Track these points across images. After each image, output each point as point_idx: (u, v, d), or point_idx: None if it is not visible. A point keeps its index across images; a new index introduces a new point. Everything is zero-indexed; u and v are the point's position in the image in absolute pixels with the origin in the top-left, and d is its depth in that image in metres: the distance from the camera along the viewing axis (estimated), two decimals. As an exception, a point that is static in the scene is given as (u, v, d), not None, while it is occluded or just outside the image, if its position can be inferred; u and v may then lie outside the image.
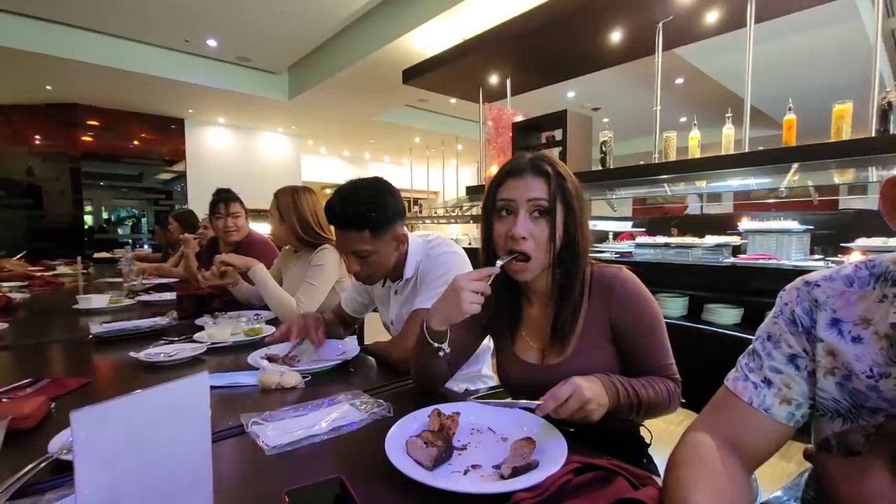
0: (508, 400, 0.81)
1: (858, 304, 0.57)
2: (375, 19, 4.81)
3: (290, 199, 1.83)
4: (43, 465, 0.64)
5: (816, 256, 2.60)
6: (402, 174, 10.28)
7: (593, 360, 0.88)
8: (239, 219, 2.29)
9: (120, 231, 7.57)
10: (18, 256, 3.60)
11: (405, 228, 1.27)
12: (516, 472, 0.60)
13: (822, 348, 0.59)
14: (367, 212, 1.14)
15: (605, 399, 0.75)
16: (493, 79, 4.44)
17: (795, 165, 2.26)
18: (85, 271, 3.37)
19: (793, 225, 2.53)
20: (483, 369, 1.38)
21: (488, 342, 1.23)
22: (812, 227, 2.59)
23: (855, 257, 0.64)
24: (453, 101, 6.13)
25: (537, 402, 0.71)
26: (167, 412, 0.47)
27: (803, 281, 0.63)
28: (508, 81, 4.32)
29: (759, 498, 0.76)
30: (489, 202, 0.90)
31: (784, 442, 0.62)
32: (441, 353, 0.88)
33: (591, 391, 0.72)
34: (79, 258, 2.65)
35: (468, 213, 4.94)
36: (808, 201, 2.45)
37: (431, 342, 0.87)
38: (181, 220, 3.73)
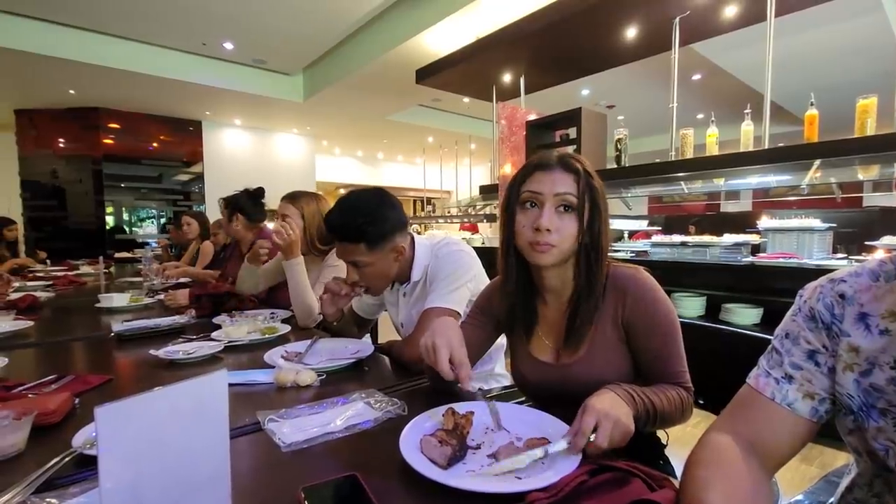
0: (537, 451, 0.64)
1: (886, 298, 0.56)
2: (389, 19, 4.83)
3: (315, 207, 1.79)
4: (67, 459, 0.65)
5: (839, 255, 2.53)
6: (416, 174, 10.32)
7: (607, 360, 0.87)
8: (232, 226, 2.30)
9: (140, 231, 7.73)
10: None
11: (407, 239, 1.26)
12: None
13: (846, 344, 0.58)
14: (364, 225, 1.15)
15: (627, 408, 0.69)
16: (507, 77, 4.43)
17: (818, 162, 2.21)
18: (106, 271, 3.46)
19: (814, 223, 2.47)
20: (496, 368, 1.38)
21: (501, 340, 1.22)
22: (835, 224, 2.52)
23: (879, 256, 0.62)
24: (466, 100, 6.13)
25: (564, 446, 0.64)
26: (187, 409, 0.47)
27: (828, 279, 0.62)
28: (522, 80, 4.30)
29: (780, 502, 0.75)
30: (513, 195, 0.88)
31: (807, 440, 0.61)
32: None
33: (612, 405, 0.66)
34: (101, 258, 2.71)
35: (481, 213, 4.93)
36: (830, 198, 2.39)
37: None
38: (199, 219, 3.82)
